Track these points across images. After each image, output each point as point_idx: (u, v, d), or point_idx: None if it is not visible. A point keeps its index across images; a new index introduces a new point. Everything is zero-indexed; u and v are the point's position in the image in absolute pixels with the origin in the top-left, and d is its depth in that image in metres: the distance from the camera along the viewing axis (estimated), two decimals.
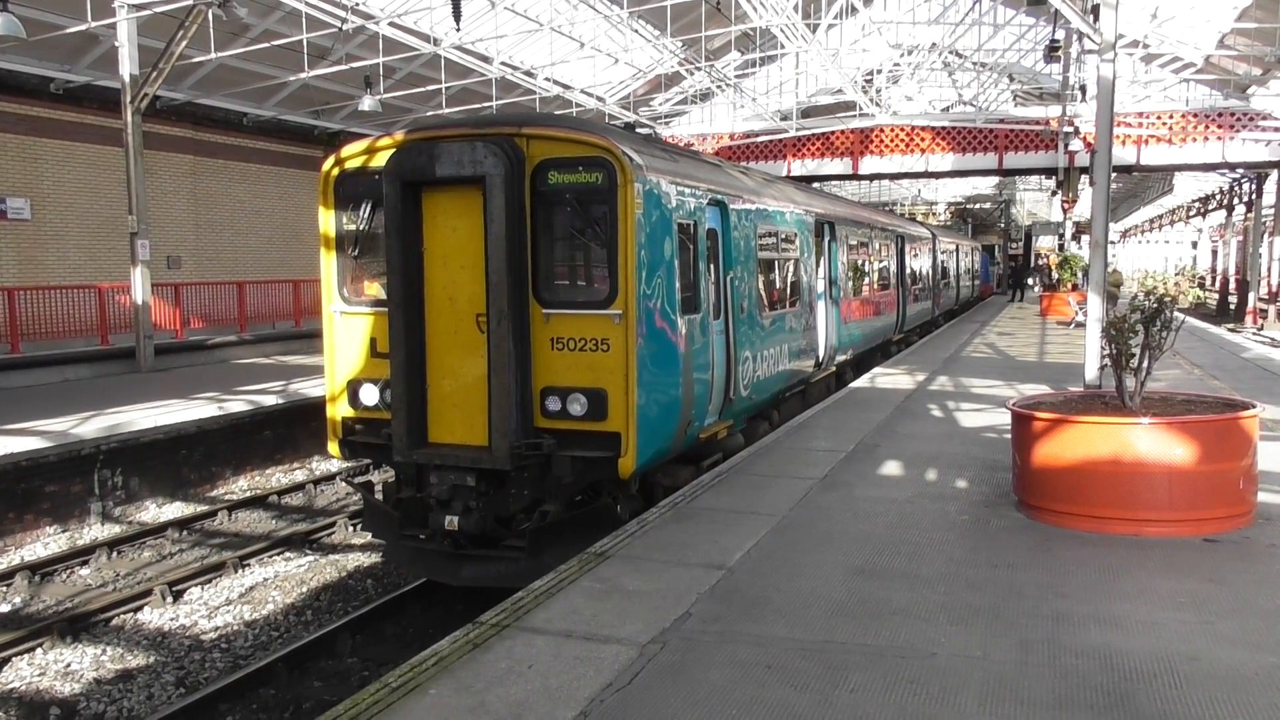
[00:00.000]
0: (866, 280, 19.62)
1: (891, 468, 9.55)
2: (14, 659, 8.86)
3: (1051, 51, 25.90)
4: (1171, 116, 32.52)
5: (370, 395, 9.11)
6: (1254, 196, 43.69)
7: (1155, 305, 7.60)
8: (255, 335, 24.65)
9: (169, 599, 10.26)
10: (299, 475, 15.94)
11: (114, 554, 11.86)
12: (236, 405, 15.52)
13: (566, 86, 31.14)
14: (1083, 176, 32.63)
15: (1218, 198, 53.94)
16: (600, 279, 8.57)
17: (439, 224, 8.57)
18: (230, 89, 25.40)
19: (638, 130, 10.87)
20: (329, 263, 9.35)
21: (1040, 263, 51.91)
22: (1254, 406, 7.35)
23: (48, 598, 10.58)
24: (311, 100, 27.22)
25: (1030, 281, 50.03)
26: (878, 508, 7.97)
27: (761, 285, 12.04)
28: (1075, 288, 30.55)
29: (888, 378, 16.69)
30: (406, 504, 8.97)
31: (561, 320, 8.45)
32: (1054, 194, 44.06)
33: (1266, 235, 44.68)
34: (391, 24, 22.85)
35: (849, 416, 12.57)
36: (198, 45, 20.41)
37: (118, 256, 22.06)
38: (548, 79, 29.78)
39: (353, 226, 9.24)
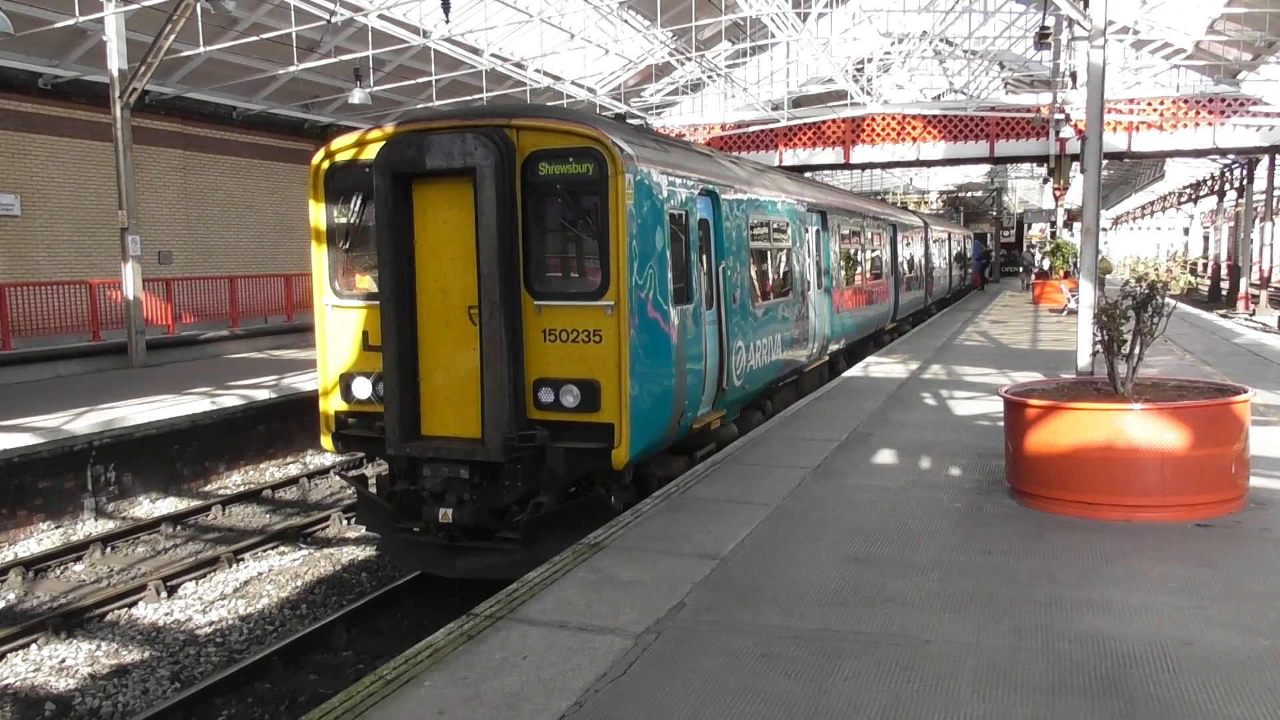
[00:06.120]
0: (859, 269, 19.62)
1: (885, 456, 9.56)
2: (9, 655, 8.85)
3: (1042, 38, 25.90)
4: (1162, 102, 32.55)
5: (363, 388, 9.10)
6: (1245, 182, 43.77)
7: (1147, 291, 7.62)
8: (247, 330, 24.58)
9: (163, 594, 10.25)
10: (292, 469, 15.91)
11: (108, 550, 11.84)
12: (229, 400, 15.49)
13: (557, 78, 31.08)
14: (1074, 163, 32.65)
15: (1209, 184, 54.02)
16: (592, 270, 8.55)
17: (430, 216, 8.55)
18: (219, 83, 25.31)
19: (628, 121, 10.84)
20: (320, 256, 9.32)
21: (1029, 249, 51.93)
22: (1246, 392, 7.37)
23: (42, 594, 10.56)
24: (301, 93, 27.14)
25: (1021, 270, 49.94)
26: (871, 496, 7.99)
27: (754, 275, 12.03)
28: (1067, 275, 30.59)
29: (881, 366, 16.71)
30: (400, 497, 8.97)
31: (553, 312, 8.44)
32: (1045, 181, 44.09)
33: (1258, 221, 44.77)
34: (380, 16, 22.83)
35: (842, 405, 12.58)
36: (186, 39, 20.32)
37: (108, 252, 22.00)
38: (538, 70, 29.72)
39: (343, 219, 9.21)
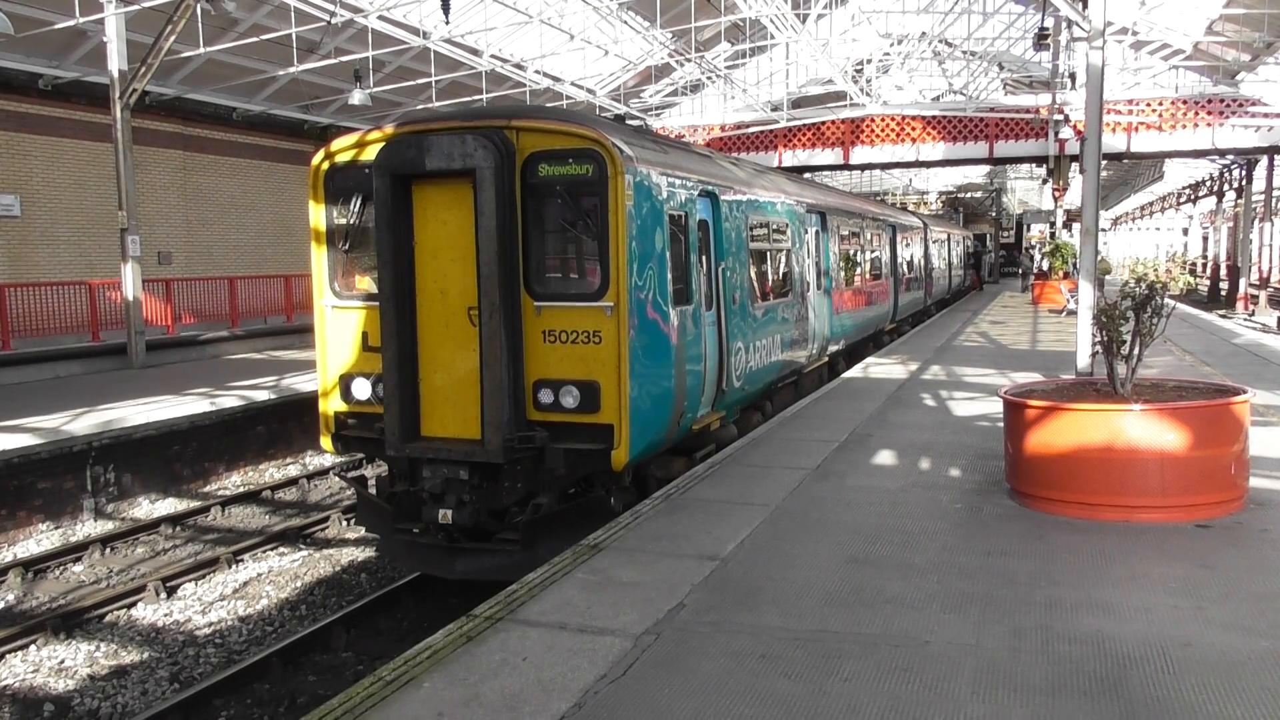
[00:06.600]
0: (859, 270, 19.62)
1: (884, 457, 9.56)
2: (7, 656, 8.85)
3: (1041, 39, 25.89)
4: (1161, 103, 32.58)
5: (362, 389, 9.09)
6: (1244, 182, 43.79)
7: (1146, 292, 7.62)
8: (247, 330, 24.57)
9: (162, 595, 10.25)
10: (292, 470, 15.91)
11: (107, 550, 11.84)
12: (229, 401, 15.49)
13: (557, 79, 31.08)
14: (1073, 164, 32.67)
15: (1208, 184, 54.06)
16: (591, 271, 8.55)
17: (429, 217, 8.55)
18: (219, 84, 25.30)
19: (628, 122, 10.84)
20: (320, 257, 9.32)
21: (1028, 250, 51.90)
22: (1245, 392, 7.37)
23: (41, 594, 10.56)
24: (301, 94, 27.13)
25: (1020, 272, 49.83)
26: (871, 497, 7.99)
27: (753, 276, 12.03)
28: (1066, 276, 30.59)
29: (880, 367, 16.71)
30: (400, 498, 8.97)
31: (553, 313, 8.44)
32: (1045, 182, 44.09)
33: (1257, 221, 44.80)
34: (380, 17, 22.81)
35: (842, 406, 12.58)
36: (186, 40, 20.31)
37: (108, 252, 21.99)
38: (538, 71, 29.72)
39: (343, 220, 9.21)
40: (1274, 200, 42.13)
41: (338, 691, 5.22)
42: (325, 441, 9.46)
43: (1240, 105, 31.90)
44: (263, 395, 16.04)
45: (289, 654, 8.46)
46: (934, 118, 35.63)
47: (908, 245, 26.39)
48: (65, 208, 22.85)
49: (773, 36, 30.08)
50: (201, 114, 26.41)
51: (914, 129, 35.60)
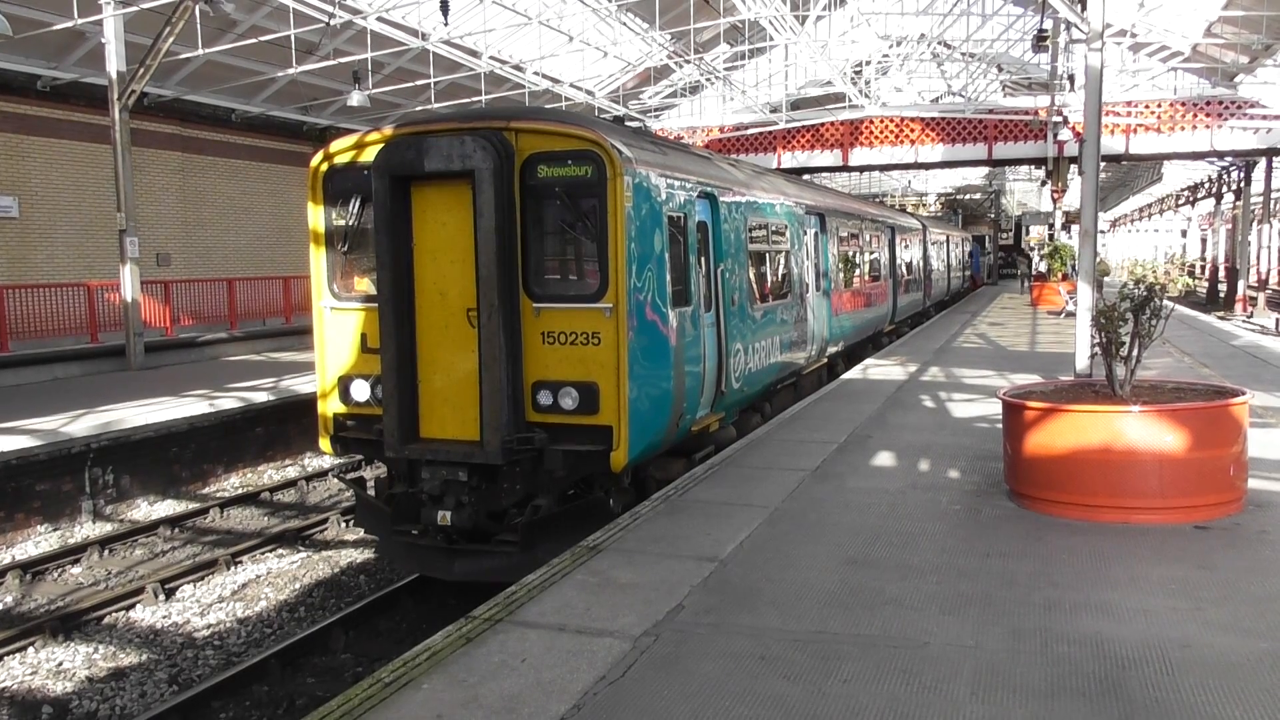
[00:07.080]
0: (858, 272, 19.63)
1: (883, 459, 9.56)
2: (6, 658, 8.84)
3: (1039, 41, 25.91)
4: (1160, 105, 32.61)
5: (361, 391, 9.09)
6: (1242, 184, 43.82)
7: (1144, 293, 7.62)
8: (246, 332, 24.57)
9: (161, 597, 10.24)
10: (291, 472, 15.90)
11: (106, 552, 11.82)
12: (228, 402, 15.48)
13: (556, 80, 31.09)
14: (1072, 166, 32.70)
15: (1206, 186, 54.10)
16: (590, 272, 8.56)
17: (428, 218, 8.55)
18: (218, 85, 25.30)
19: (627, 123, 10.86)
20: (319, 258, 9.32)
21: (1028, 250, 51.97)
22: (1244, 393, 7.37)
23: (39, 596, 10.55)
24: (300, 96, 27.13)
25: (1019, 274, 49.81)
26: (870, 499, 7.99)
27: (752, 277, 12.03)
28: (1065, 277, 30.61)
29: (879, 369, 16.71)
30: (399, 499, 8.97)
31: (552, 314, 8.44)
32: (1043, 184, 44.12)
33: (1255, 223, 44.87)
34: (379, 19, 22.82)
35: (841, 408, 12.58)
36: (185, 41, 20.32)
37: (106, 254, 21.96)
38: (537, 73, 29.74)
39: (342, 222, 9.20)
40: (1272, 202, 42.17)
41: (336, 693, 5.21)
42: (324, 443, 9.45)
43: (1238, 107, 31.93)
44: (261, 397, 16.03)
45: (288, 656, 8.45)
46: (933, 119, 35.65)
47: (907, 247, 26.40)
48: (63, 209, 22.83)
49: (772, 38, 30.08)
50: (200, 115, 26.40)
51: (913, 130, 35.62)
